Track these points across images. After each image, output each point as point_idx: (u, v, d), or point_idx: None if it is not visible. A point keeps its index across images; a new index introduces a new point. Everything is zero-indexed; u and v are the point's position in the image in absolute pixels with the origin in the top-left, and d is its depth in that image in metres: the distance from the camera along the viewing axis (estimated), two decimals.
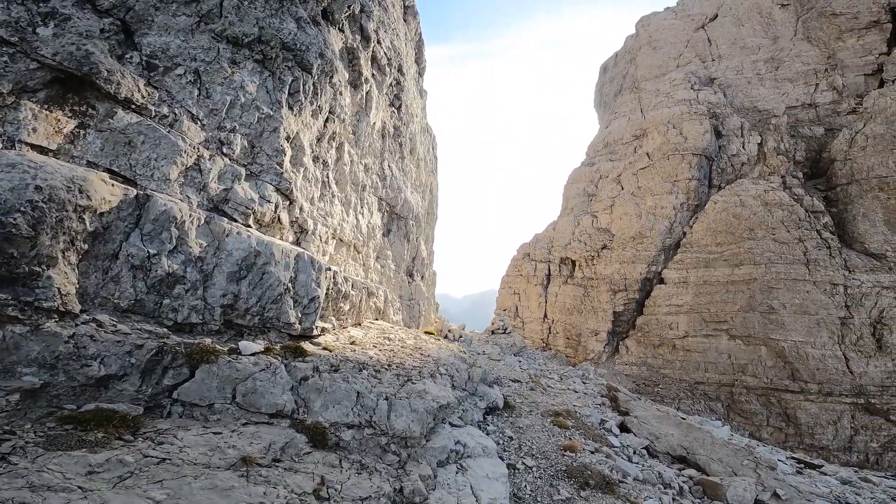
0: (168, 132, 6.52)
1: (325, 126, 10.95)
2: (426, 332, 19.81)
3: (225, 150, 7.68)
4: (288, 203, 9.28)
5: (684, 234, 26.20)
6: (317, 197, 10.88)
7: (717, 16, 34.76)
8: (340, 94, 12.00)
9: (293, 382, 6.57)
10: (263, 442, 5.26)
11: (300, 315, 8.20)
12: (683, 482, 9.57)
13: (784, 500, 9.35)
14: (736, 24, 32.94)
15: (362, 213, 15.51)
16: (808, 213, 23.03)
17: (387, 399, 7.08)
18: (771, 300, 22.08)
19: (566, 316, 28.74)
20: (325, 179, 11.29)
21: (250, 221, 8.00)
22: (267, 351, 6.97)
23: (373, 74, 15.88)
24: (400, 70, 19.91)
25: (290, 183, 9.13)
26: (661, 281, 26.11)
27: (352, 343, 10.02)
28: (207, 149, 7.26)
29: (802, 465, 14.28)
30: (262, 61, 8.34)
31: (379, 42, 16.31)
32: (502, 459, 8.30)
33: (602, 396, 16.54)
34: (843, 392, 19.74)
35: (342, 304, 11.25)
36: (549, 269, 30.44)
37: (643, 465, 9.96)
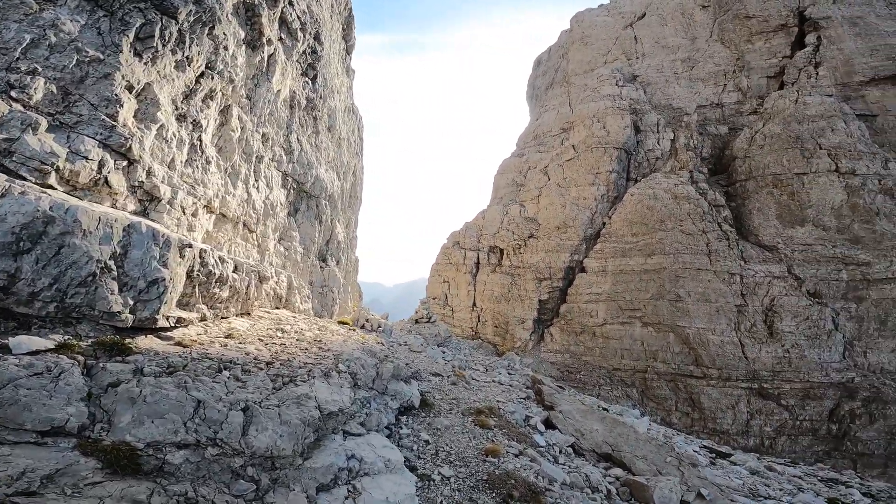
0: None
1: (197, 82, 9.52)
2: (340, 322, 18.53)
3: (15, 95, 6.15)
4: (125, 163, 7.88)
5: (604, 224, 26.99)
6: (181, 161, 9.45)
7: (644, 14, 36.07)
8: (226, 49, 10.58)
9: (93, 390, 5.29)
10: (13, 469, 4.00)
11: (131, 302, 6.82)
12: (610, 483, 9.37)
13: (708, 500, 9.44)
14: (661, 24, 34.38)
15: (257, 188, 13.95)
16: (711, 206, 24.48)
17: (245, 409, 5.91)
18: (678, 288, 23.23)
19: (494, 304, 28.75)
20: (197, 143, 9.79)
21: (52, 181, 6.55)
22: (62, 348, 5.60)
23: (280, 38, 14.46)
24: (317, 38, 18.28)
25: (130, 140, 7.74)
26: (583, 270, 26.77)
27: (228, 336, 8.84)
28: None
29: (714, 455, 14.87)
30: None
31: (291, 3, 14.77)
32: (415, 470, 7.46)
33: (527, 388, 16.21)
34: (740, 377, 21.19)
35: (218, 290, 9.84)
36: (479, 258, 30.31)
37: (570, 467, 9.56)
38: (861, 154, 23.26)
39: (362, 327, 20.68)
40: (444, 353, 21.26)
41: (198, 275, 8.75)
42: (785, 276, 22.14)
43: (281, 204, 16.42)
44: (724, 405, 21.38)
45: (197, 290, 8.86)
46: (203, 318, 9.32)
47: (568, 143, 30.54)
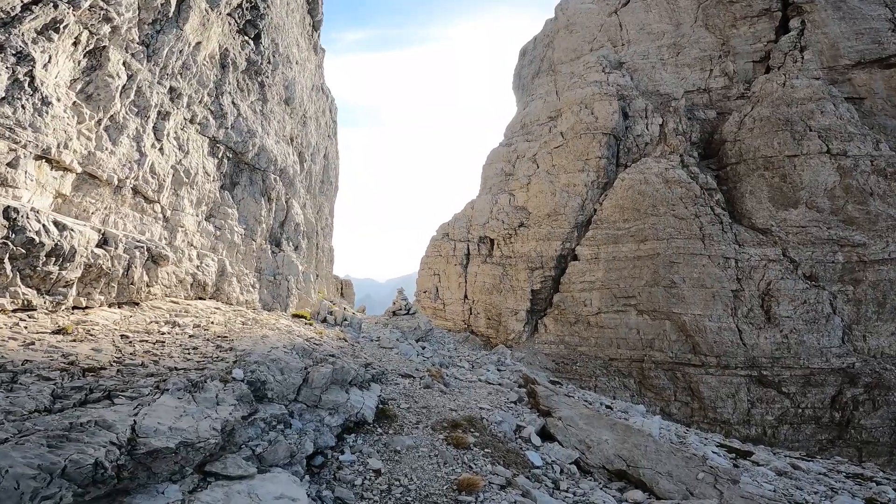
0: None
1: (27, 9, 7.66)
2: (295, 316, 16.68)
3: None
4: None
5: (595, 211, 26.30)
6: None
7: (629, 1, 35.60)
8: None
9: None
10: None
11: None
12: None
13: None
14: (645, 10, 33.92)
15: (160, 149, 12.04)
16: (703, 190, 23.97)
17: None
18: (672, 274, 22.63)
19: (486, 296, 27.83)
20: (25, 79, 7.83)
21: None
22: None
23: None
24: None
25: None
26: (575, 258, 26.04)
27: (58, 332, 6.94)
28: None
29: (735, 455, 13.57)
30: None
31: None
32: None
33: (519, 388, 14.21)
34: (739, 364, 20.63)
35: (55, 269, 7.82)
36: (469, 249, 29.35)
37: (575, 495, 7.53)
38: (852, 135, 23.00)
39: (324, 321, 18.61)
40: (423, 348, 19.21)
41: (3, 243, 6.76)
42: (780, 259, 21.70)
43: (206, 173, 14.31)
44: (723, 394, 20.80)
45: (7, 265, 6.90)
46: (26, 307, 7.37)
47: (556, 130, 29.81)
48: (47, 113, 8.24)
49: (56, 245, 7.68)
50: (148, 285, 10.95)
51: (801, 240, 21.94)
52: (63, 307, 8.27)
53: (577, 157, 27.63)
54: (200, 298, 13.76)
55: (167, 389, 5.60)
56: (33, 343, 6.09)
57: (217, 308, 12.96)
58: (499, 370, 18.00)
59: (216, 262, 14.51)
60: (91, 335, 7.24)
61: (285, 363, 7.75)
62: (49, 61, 8.22)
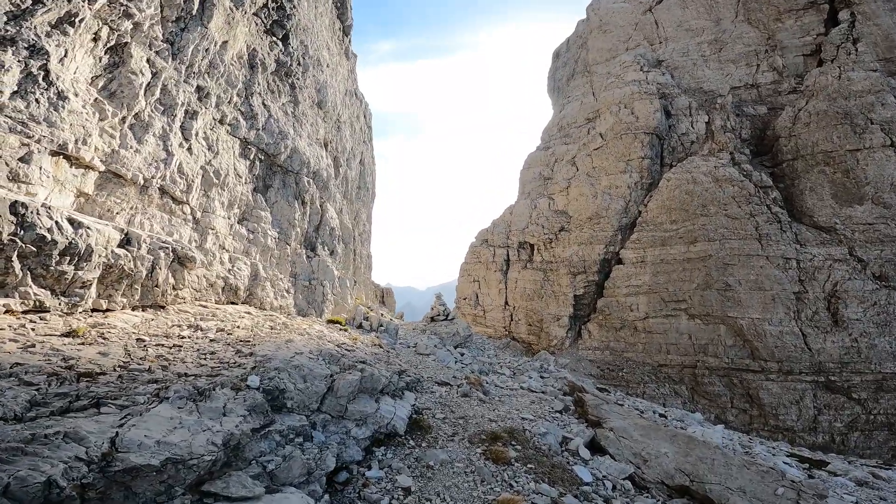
0: None
1: (46, 1, 7.53)
2: (330, 322, 16.46)
3: None
4: None
5: (640, 212, 25.57)
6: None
7: None
8: None
9: None
10: None
11: None
12: None
13: None
14: (681, 7, 33.07)
15: (188, 149, 11.88)
16: (757, 188, 22.93)
17: None
18: (727, 277, 21.68)
19: (527, 302, 27.40)
20: (39, 73, 7.68)
21: None
22: None
23: None
24: None
25: None
26: (620, 261, 25.34)
27: (68, 335, 6.70)
28: None
29: (808, 465, 12.60)
30: None
31: None
32: None
33: (564, 396, 13.40)
34: (803, 370, 19.50)
35: (71, 269, 7.44)
36: (508, 255, 29.00)
37: None
38: None
39: (359, 327, 18.42)
40: (462, 354, 18.70)
41: (10, 240, 6.44)
42: (846, 259, 20.46)
43: (237, 175, 14.11)
44: (786, 401, 19.67)
45: (16, 263, 6.57)
46: (38, 308, 7.04)
47: (595, 131, 29.26)
48: (63, 108, 7.99)
49: (70, 243, 7.28)
50: (174, 288, 10.60)
51: (869, 238, 20.64)
52: (80, 309, 7.90)
53: (619, 158, 27.00)
54: (232, 303, 13.49)
55: (167, 398, 5.13)
56: (34, 346, 5.79)
57: (248, 312, 12.69)
58: (542, 377, 17.42)
59: (249, 266, 14.27)
60: (104, 338, 6.97)
61: (309, 370, 7.19)
62: (65, 56, 8.05)
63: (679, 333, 22.61)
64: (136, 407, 4.76)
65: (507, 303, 28.53)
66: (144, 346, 7.09)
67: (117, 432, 4.13)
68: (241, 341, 8.59)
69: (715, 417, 21.00)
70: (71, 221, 7.52)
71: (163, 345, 7.36)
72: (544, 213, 28.40)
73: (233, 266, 13.64)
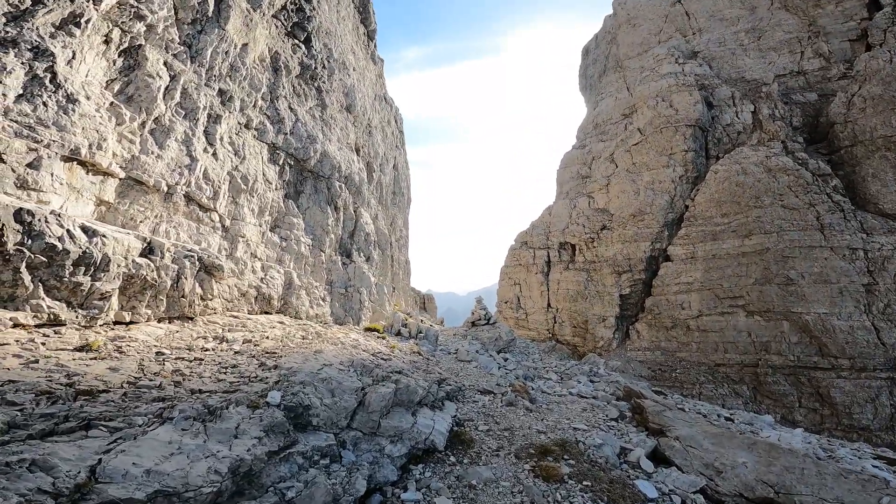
0: None
1: (46, 1, 7.28)
2: (367, 330, 16.01)
3: None
4: None
5: (686, 207, 24.77)
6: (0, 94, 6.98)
7: None
8: None
9: None
10: None
11: None
12: None
13: None
14: None
15: (213, 154, 11.50)
16: (815, 176, 21.95)
17: None
18: (787, 270, 20.72)
19: (570, 303, 26.76)
20: (46, 74, 7.35)
21: None
22: None
23: None
24: None
25: None
26: (668, 258, 24.54)
27: (82, 349, 6.25)
28: None
29: None
30: None
31: None
32: None
33: (618, 401, 12.60)
34: (878, 366, 18.42)
35: (86, 279, 7.02)
36: (549, 256, 28.44)
37: None
38: None
39: (398, 334, 17.89)
40: (505, 360, 18.05)
41: (17, 250, 6.04)
42: None
43: (267, 181, 13.74)
44: (861, 399, 18.57)
45: (25, 274, 6.19)
46: (53, 322, 6.65)
47: (632, 126, 28.61)
48: (74, 111, 7.61)
49: (84, 253, 6.87)
50: (203, 298, 10.16)
51: None
52: (100, 322, 7.47)
53: (660, 153, 26.28)
54: (266, 313, 13.03)
55: (171, 418, 4.58)
56: (37, 361, 5.39)
57: (280, 322, 12.20)
58: (591, 381, 16.52)
59: (282, 275, 13.85)
60: (120, 352, 6.54)
61: (337, 383, 6.70)
62: (73, 57, 7.73)
63: (737, 331, 21.68)
64: (130, 429, 4.22)
65: (549, 305, 27.94)
66: (163, 359, 6.70)
67: (100, 459, 3.62)
68: (267, 353, 8.16)
69: (781, 418, 19.98)
70: (85, 230, 7.12)
71: (183, 358, 6.97)
72: (584, 213, 27.80)
73: (265, 275, 13.30)
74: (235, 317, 11.24)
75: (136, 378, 5.62)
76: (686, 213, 24.67)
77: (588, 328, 26.07)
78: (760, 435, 12.33)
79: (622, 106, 30.99)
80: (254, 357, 7.74)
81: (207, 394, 5.49)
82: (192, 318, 9.86)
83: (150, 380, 5.66)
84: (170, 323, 9.13)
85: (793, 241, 20.87)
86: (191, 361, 6.89)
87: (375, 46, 29.06)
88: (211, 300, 10.58)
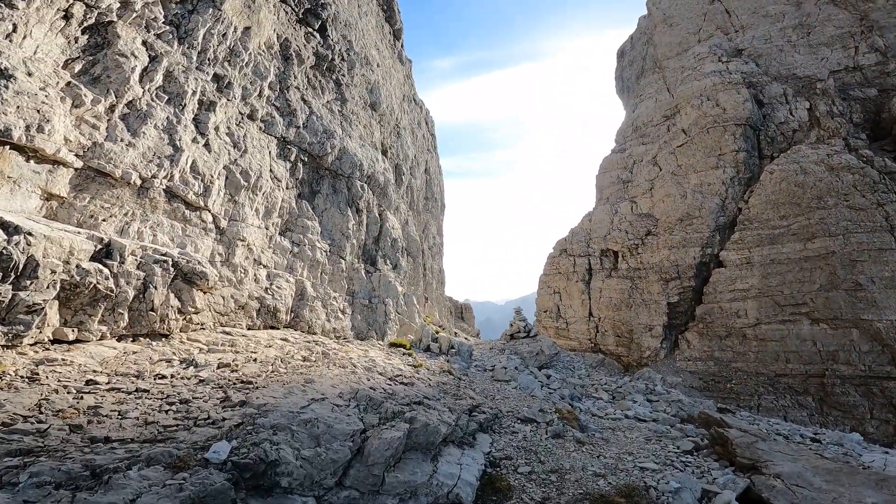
0: None
1: None
2: (392, 345, 14.64)
3: None
4: None
5: (739, 210, 23.70)
6: None
7: None
8: None
9: None
10: None
11: None
12: None
13: None
14: None
15: (205, 145, 10.35)
16: (881, 174, 20.68)
17: None
18: (856, 275, 19.49)
19: (614, 312, 25.85)
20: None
21: None
22: None
23: None
24: None
25: None
26: (720, 264, 23.47)
27: None
28: None
29: None
30: None
31: None
32: None
33: (683, 424, 10.95)
34: None
35: (8, 290, 5.80)
36: (590, 263, 27.61)
37: None
38: None
39: (427, 350, 16.31)
40: (547, 377, 16.08)
41: None
42: None
43: (275, 178, 12.48)
44: None
45: None
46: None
47: (676, 128, 27.71)
48: (7, 87, 6.60)
49: (1, 254, 5.56)
50: (181, 312, 8.65)
51: None
52: (28, 341, 6.07)
53: (708, 154, 25.31)
54: (272, 328, 11.39)
55: (14, 484, 2.98)
56: None
57: (284, 339, 10.63)
58: (649, 401, 15.12)
59: (292, 284, 12.44)
60: (31, 380, 5.16)
61: (325, 426, 5.06)
62: (13, 31, 6.92)
63: (800, 340, 20.46)
64: None
65: (591, 314, 27.07)
66: (87, 391, 5.22)
67: None
68: (241, 382, 6.52)
69: (850, 430, 18.67)
70: (3, 226, 5.79)
71: (119, 389, 5.46)
72: (627, 218, 26.96)
73: (271, 284, 11.81)
74: (227, 333, 9.71)
75: (16, 418, 4.15)
76: (739, 216, 23.59)
77: (633, 337, 25.11)
78: (874, 464, 10.68)
79: (663, 107, 30.11)
80: (220, 388, 6.10)
81: (113, 444, 3.88)
82: (167, 336, 8.33)
83: (39, 421, 4.17)
84: (132, 341, 7.65)
85: (861, 244, 19.64)
86: (129, 394, 5.37)
87: (402, 46, 28.30)
88: (195, 314, 9.04)
